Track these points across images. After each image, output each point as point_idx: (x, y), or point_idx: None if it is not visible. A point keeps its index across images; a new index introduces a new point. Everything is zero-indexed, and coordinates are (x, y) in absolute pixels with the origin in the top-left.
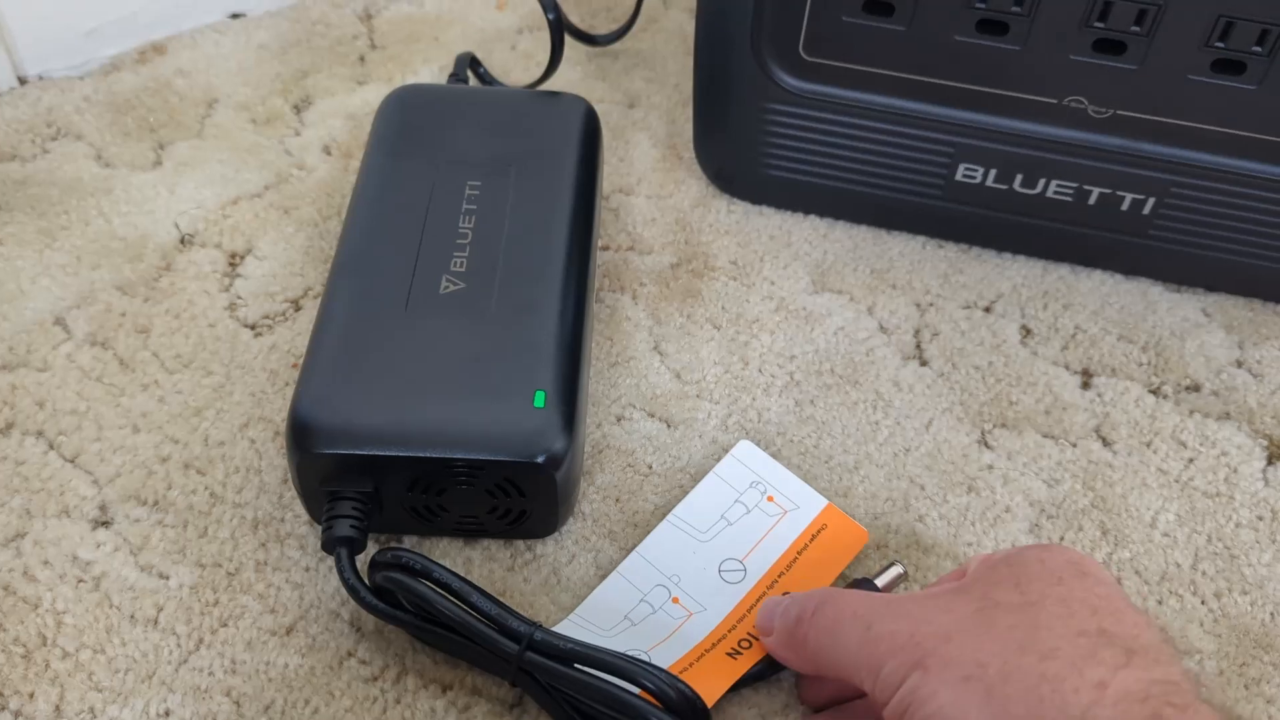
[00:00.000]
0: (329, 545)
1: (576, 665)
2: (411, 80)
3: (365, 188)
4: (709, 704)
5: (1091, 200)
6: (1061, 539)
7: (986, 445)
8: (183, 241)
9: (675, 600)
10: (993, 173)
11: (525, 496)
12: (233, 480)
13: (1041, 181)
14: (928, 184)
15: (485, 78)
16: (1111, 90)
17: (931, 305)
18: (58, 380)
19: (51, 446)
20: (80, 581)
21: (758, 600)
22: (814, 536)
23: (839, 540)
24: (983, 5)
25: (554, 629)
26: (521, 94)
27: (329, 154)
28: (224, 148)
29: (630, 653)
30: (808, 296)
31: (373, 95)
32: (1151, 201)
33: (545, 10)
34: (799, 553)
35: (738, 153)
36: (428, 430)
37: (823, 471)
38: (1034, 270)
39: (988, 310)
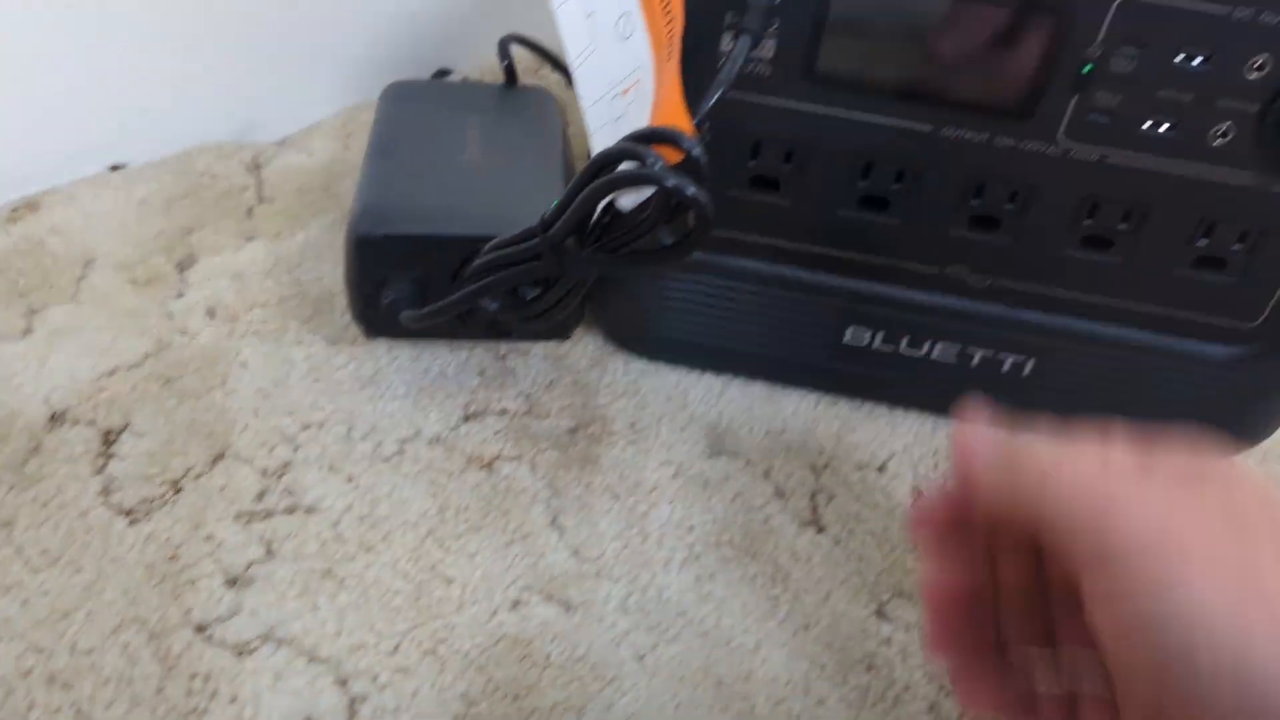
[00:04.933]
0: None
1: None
2: (300, 235)
3: (381, 120)
4: (687, 120)
5: (974, 362)
6: (960, 718)
7: (884, 617)
8: (53, 419)
9: (625, 91)
10: (880, 336)
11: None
12: (102, 694)
13: (927, 344)
14: (817, 345)
15: None
16: (989, 262)
17: (826, 467)
18: None
19: None
20: None
21: (657, 7)
22: None
23: None
24: (864, 183)
25: None
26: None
27: (213, 317)
28: (101, 313)
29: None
30: (705, 461)
31: (260, 252)
32: (1031, 363)
33: None
34: None
35: (633, 316)
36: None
37: (723, 655)
38: (925, 427)
39: (881, 470)
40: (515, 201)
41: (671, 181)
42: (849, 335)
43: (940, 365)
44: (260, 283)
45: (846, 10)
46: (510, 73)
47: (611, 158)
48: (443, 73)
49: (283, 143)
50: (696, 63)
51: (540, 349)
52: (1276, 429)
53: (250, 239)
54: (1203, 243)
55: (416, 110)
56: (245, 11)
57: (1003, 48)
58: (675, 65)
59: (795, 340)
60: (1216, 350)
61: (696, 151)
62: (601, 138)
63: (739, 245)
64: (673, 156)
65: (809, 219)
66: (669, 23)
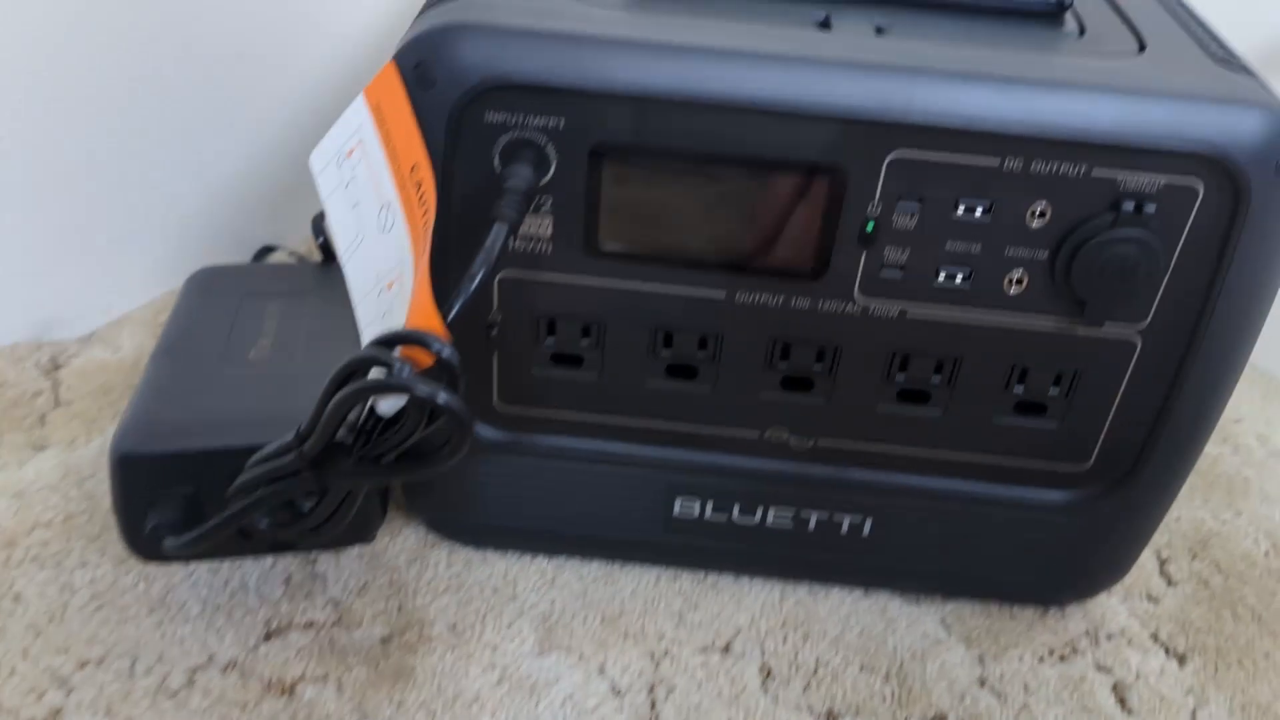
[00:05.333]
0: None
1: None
2: (96, 440)
3: (175, 315)
4: (437, 320)
5: (811, 526)
6: None
7: None
8: None
9: (389, 285)
10: (709, 506)
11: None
12: None
13: (759, 510)
14: (648, 520)
15: None
16: (808, 423)
17: (667, 654)
18: None
19: None
20: None
21: (413, 198)
22: (381, 120)
23: (390, 98)
24: (668, 352)
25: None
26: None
27: None
28: None
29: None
30: (533, 660)
31: (49, 464)
32: (869, 522)
33: None
34: (388, 142)
35: (450, 504)
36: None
37: None
38: (772, 596)
39: (726, 650)
40: (306, 400)
41: (421, 390)
42: (678, 508)
43: (777, 531)
44: (45, 499)
45: (619, 185)
46: (326, 250)
47: (359, 364)
48: (267, 250)
49: (87, 338)
50: (468, 252)
51: (355, 548)
52: (1130, 567)
53: (41, 449)
54: (1019, 389)
55: (215, 301)
56: (40, 198)
57: (784, 211)
58: (426, 261)
59: (625, 516)
60: (1054, 496)
61: (446, 354)
62: (370, 334)
63: (552, 424)
64: (423, 359)
65: (618, 392)
66: (424, 214)
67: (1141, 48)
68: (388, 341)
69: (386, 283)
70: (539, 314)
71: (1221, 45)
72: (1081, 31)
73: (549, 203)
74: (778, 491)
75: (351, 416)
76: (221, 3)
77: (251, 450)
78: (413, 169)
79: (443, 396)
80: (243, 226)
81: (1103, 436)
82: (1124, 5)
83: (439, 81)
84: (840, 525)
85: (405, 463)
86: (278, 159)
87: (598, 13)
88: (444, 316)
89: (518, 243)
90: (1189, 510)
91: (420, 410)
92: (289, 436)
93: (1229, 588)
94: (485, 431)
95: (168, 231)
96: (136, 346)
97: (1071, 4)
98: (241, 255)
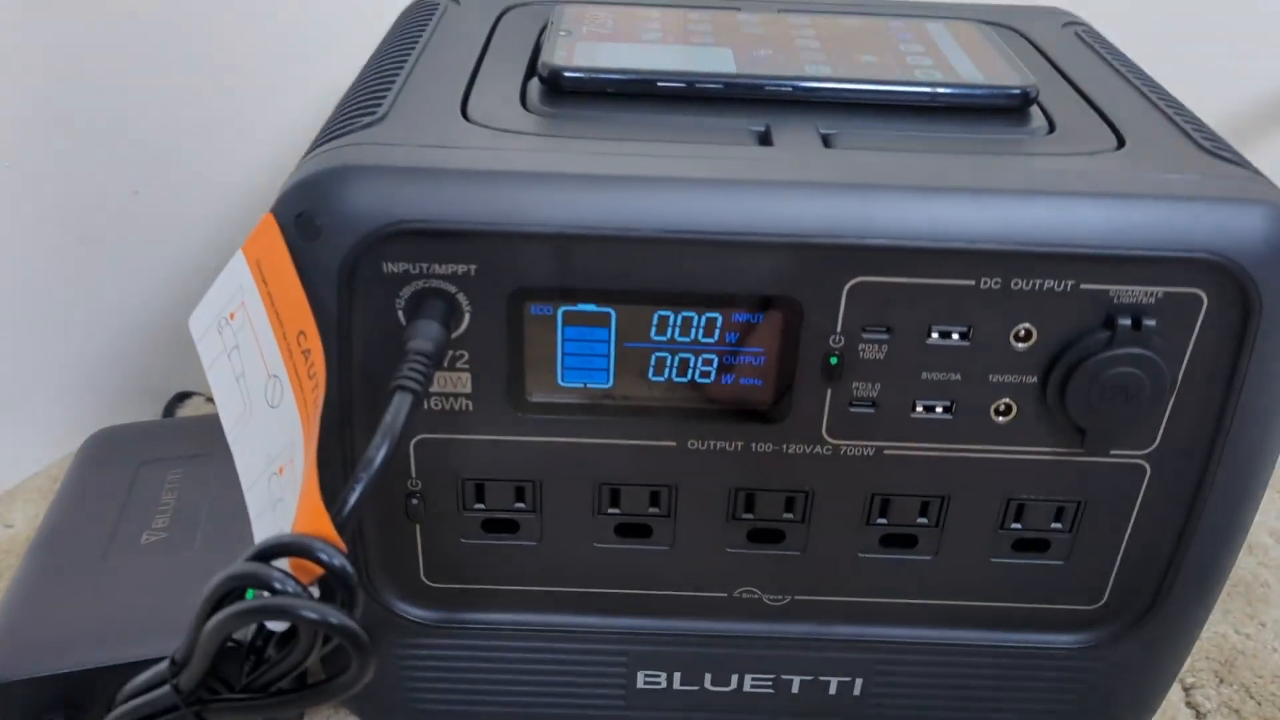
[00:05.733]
0: None
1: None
2: None
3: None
4: (326, 523)
5: (795, 689)
6: None
7: None
8: None
9: (280, 470)
10: (677, 676)
11: None
12: None
13: (734, 678)
14: (607, 696)
15: None
16: (782, 578)
17: None
18: None
19: None
20: None
21: (301, 370)
22: (263, 280)
23: (270, 255)
24: (617, 510)
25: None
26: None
27: None
28: None
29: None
30: None
31: None
32: (860, 682)
33: None
34: (271, 305)
35: (380, 690)
36: None
37: None
38: None
39: None
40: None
41: (307, 613)
42: (641, 680)
43: (756, 697)
44: None
45: (545, 330)
46: None
47: (235, 584)
48: (183, 396)
49: None
50: (376, 423)
51: None
52: (1157, 707)
53: None
54: (1016, 526)
55: (108, 472)
56: None
57: (734, 349)
58: (314, 447)
59: (580, 694)
60: (1066, 639)
61: (337, 563)
62: (262, 527)
63: (490, 598)
64: (312, 571)
65: (562, 558)
66: (314, 388)
67: (1120, 142)
68: (265, 554)
69: (277, 466)
70: (465, 478)
71: (1208, 132)
72: (1051, 127)
73: (465, 356)
74: (754, 656)
75: (238, 635)
76: (115, 136)
77: (136, 666)
78: (300, 335)
79: (335, 617)
80: (155, 371)
81: (1115, 572)
82: (1093, 93)
83: (325, 232)
84: (827, 686)
85: (300, 691)
86: (189, 297)
87: (507, 140)
88: (339, 512)
89: (433, 401)
90: (1210, 625)
91: (311, 632)
92: (164, 665)
93: (1263, 716)
94: (414, 611)
95: (68, 385)
96: (30, 521)
97: (1037, 97)
98: (155, 404)
